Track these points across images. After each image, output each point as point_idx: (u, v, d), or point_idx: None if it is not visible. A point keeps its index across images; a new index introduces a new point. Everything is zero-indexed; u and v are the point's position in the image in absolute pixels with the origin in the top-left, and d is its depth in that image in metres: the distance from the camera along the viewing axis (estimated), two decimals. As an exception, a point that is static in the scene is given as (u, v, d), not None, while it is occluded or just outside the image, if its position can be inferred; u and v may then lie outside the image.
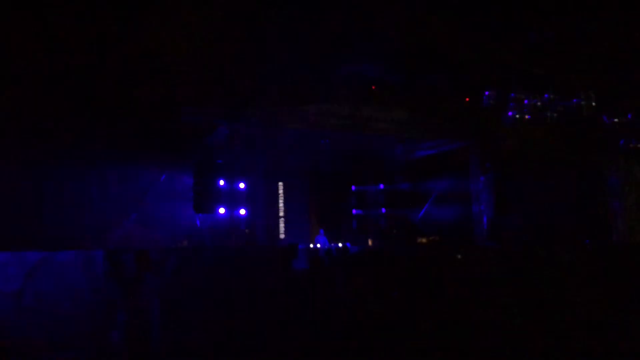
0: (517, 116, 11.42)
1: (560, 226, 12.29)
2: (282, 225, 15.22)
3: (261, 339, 7.21)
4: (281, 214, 15.12)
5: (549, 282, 7.67)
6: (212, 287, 8.01)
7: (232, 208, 11.12)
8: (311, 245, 14.21)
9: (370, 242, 15.57)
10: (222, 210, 10.92)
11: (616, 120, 11.95)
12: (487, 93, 11.52)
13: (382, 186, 16.76)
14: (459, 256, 9.44)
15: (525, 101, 11.53)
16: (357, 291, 7.53)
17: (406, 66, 10.90)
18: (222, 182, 10.93)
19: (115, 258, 5.10)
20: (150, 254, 6.68)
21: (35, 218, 8.96)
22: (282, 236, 14.65)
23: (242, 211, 11.18)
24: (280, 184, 14.59)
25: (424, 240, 13.93)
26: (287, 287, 9.53)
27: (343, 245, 13.98)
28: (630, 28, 8.90)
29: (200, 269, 8.55)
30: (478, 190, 13.50)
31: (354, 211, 17.14)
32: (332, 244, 14.39)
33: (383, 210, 16.70)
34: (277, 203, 12.62)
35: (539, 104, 11.51)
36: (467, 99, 11.87)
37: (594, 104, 11.21)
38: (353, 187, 17.17)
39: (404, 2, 8.77)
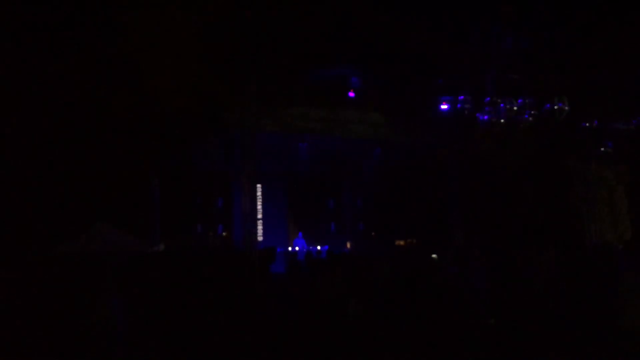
0: (493, 120, 11.59)
1: (532, 230, 12.51)
2: (260, 227, 15.19)
3: (237, 346, 7.16)
4: (259, 216, 15.09)
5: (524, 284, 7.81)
6: (186, 293, 7.92)
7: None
8: (289, 248, 14.20)
9: (348, 245, 15.63)
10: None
11: (588, 125, 12.21)
12: (462, 97, 11.68)
13: (360, 189, 16.83)
14: (435, 256, 9.58)
15: (501, 105, 11.72)
16: (337, 294, 7.53)
17: (383, 70, 10.98)
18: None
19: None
20: (121, 259, 6.59)
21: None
22: (260, 239, 14.61)
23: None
24: (259, 186, 14.55)
25: (401, 242, 14.05)
26: (265, 291, 9.50)
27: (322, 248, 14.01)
28: (603, 34, 9.13)
29: (174, 273, 8.46)
30: (454, 193, 13.66)
31: (332, 214, 17.19)
32: (311, 247, 14.40)
33: (361, 212, 16.78)
34: (255, 206, 12.57)
35: (514, 108, 11.71)
36: (444, 103, 12.01)
37: (567, 108, 11.45)
38: (331, 190, 17.21)
39: (381, 6, 8.84)
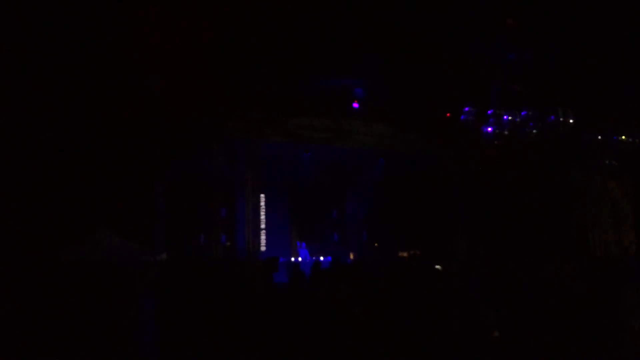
0: (496, 132, 11.61)
1: (535, 241, 12.45)
2: (263, 237, 15.17)
3: (240, 352, 7.13)
4: (262, 226, 15.08)
5: (530, 297, 7.75)
6: (191, 302, 7.91)
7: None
8: (292, 259, 14.17)
9: (351, 255, 15.59)
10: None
11: (592, 136, 12.21)
12: (467, 109, 11.71)
13: (363, 199, 16.82)
14: (439, 267, 9.54)
15: (504, 117, 11.74)
16: (339, 304, 7.49)
17: (388, 81, 11.03)
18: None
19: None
20: (125, 267, 6.59)
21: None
22: (263, 248, 14.59)
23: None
24: (262, 195, 14.56)
25: (404, 254, 13.99)
26: (268, 300, 9.46)
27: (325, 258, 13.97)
28: (607, 46, 9.16)
29: (179, 283, 8.44)
30: (458, 204, 13.62)
31: (335, 224, 17.17)
32: (314, 257, 14.37)
33: (364, 222, 16.75)
34: (259, 215, 12.59)
35: (517, 120, 11.73)
36: (448, 114, 12.04)
37: (571, 121, 11.46)
38: (334, 200, 17.21)
39: (386, 18, 8.90)
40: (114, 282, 6.49)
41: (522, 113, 11.70)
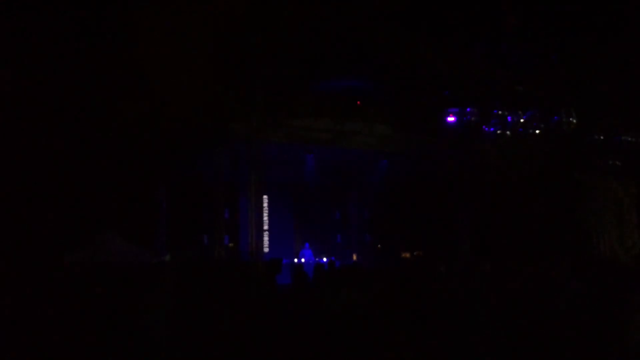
0: (499, 132, 11.59)
1: (539, 242, 12.42)
2: (266, 239, 15.17)
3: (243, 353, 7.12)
4: (265, 227, 15.08)
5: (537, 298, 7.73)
6: (195, 303, 7.91)
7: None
8: (295, 260, 14.17)
9: (354, 257, 15.57)
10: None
11: (596, 137, 12.19)
12: (470, 109, 11.69)
13: (366, 200, 16.80)
14: (442, 269, 9.50)
15: (508, 118, 11.72)
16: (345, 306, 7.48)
17: (390, 81, 11.04)
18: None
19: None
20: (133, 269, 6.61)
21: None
22: (266, 250, 14.59)
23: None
24: (265, 197, 14.56)
25: (407, 255, 13.99)
26: (271, 302, 9.45)
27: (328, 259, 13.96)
28: (611, 46, 9.15)
29: (185, 283, 8.45)
30: (461, 205, 13.62)
31: (338, 225, 17.14)
32: (317, 259, 14.36)
33: (367, 224, 16.73)
34: (262, 217, 12.60)
35: (520, 120, 11.71)
36: (450, 115, 12.03)
37: (574, 121, 11.44)
38: (337, 201, 17.19)
39: (389, 19, 8.91)
40: (119, 284, 6.51)
41: (525, 113, 11.68)
